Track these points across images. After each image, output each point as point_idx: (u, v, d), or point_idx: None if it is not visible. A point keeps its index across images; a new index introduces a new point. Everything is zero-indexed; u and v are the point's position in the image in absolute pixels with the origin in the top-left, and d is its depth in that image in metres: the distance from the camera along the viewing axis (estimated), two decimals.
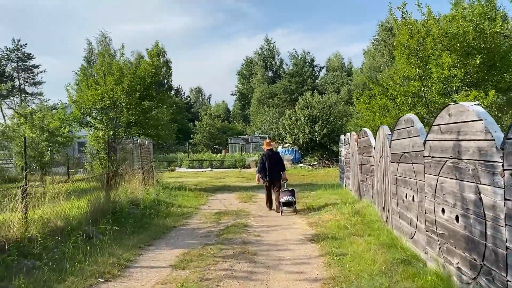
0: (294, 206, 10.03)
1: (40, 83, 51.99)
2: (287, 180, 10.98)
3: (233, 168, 28.74)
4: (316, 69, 62.29)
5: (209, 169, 28.30)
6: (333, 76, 60.64)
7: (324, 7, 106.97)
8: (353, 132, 11.16)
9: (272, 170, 10.48)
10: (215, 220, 9.49)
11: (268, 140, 11.53)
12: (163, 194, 12.91)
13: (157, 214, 9.53)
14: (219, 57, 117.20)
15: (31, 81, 51.79)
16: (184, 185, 17.67)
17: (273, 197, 10.64)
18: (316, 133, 27.76)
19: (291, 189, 10.41)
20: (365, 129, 9.24)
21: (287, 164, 27.50)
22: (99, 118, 16.01)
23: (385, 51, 57.62)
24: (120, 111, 15.43)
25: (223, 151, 42.09)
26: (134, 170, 12.13)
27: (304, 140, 27.80)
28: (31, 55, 51.36)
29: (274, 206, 10.55)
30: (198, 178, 21.53)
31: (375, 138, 8.59)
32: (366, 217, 8.20)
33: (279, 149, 32.98)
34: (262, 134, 45.97)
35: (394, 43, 12.84)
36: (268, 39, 72.40)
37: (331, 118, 28.48)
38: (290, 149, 30.39)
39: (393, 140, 6.65)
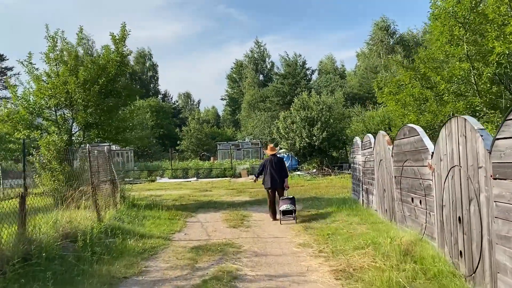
0: (294, 214, 9.40)
1: (14, 86, 48.22)
2: (288, 187, 10.30)
3: (222, 177, 25.56)
4: (308, 72, 59.44)
5: (195, 178, 25.08)
6: (326, 79, 57.87)
7: (313, 14, 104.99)
8: (383, 132, 8.16)
9: (274, 176, 9.84)
10: (190, 262, 6.38)
11: (271, 145, 10.89)
12: (126, 217, 9.76)
13: (101, 256, 6.36)
14: (209, 64, 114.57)
15: (3, 84, 48.12)
16: (160, 200, 14.55)
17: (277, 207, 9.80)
18: (314, 137, 24.76)
19: (291, 196, 9.80)
20: (412, 125, 6.24)
21: None
22: (52, 119, 12.85)
23: (381, 51, 55.38)
24: (77, 110, 12.31)
25: (211, 158, 38.90)
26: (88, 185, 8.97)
27: (301, 145, 24.81)
28: (3, 56, 47.77)
29: (278, 216, 9.61)
30: (180, 191, 18.37)
31: (433, 139, 5.60)
32: (425, 263, 5.16)
33: None
34: (253, 139, 42.92)
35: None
36: (258, 42, 69.79)
37: (331, 121, 25.52)
38: (286, 155, 27.33)
39: (505, 138, 3.64)
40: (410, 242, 5.99)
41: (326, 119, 25.25)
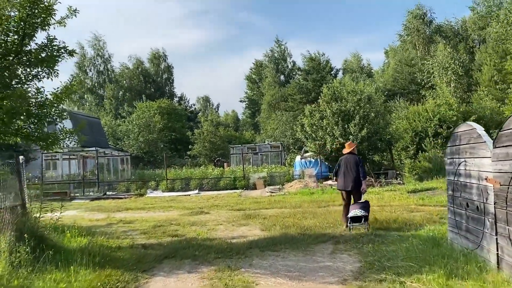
0: (366, 222, 8.22)
1: None
2: (365, 191, 9.09)
3: (232, 189, 19.95)
4: (333, 72, 53.36)
5: (196, 191, 19.53)
6: (351, 78, 51.67)
7: (334, 18, 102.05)
8: None
9: (347, 178, 8.73)
10: None
11: (349, 142, 9.54)
12: None
13: None
14: (231, 70, 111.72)
15: None
16: (121, 233, 9.16)
17: None
18: (351, 136, 18.91)
19: (363, 201, 8.61)
20: None
21: (311, 182, 18.85)
22: None
23: (417, 41, 48.94)
24: None
25: (225, 164, 33.43)
26: None
27: (334, 146, 19.01)
28: None
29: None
30: (166, 212, 12.88)
31: None
32: None
33: (297, 160, 24.22)
34: (273, 141, 37.29)
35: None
36: (279, 41, 64.70)
37: (372, 115, 19.63)
38: (313, 160, 21.59)
39: None
40: None
41: (365, 113, 19.39)
